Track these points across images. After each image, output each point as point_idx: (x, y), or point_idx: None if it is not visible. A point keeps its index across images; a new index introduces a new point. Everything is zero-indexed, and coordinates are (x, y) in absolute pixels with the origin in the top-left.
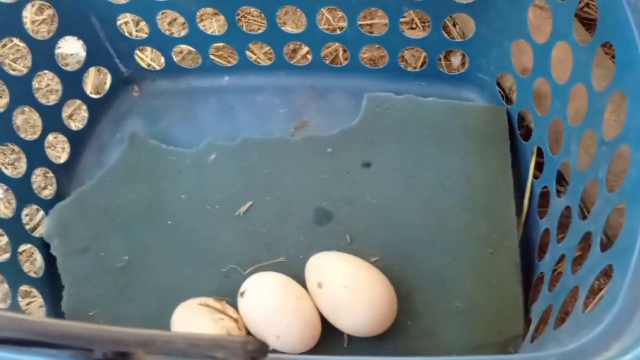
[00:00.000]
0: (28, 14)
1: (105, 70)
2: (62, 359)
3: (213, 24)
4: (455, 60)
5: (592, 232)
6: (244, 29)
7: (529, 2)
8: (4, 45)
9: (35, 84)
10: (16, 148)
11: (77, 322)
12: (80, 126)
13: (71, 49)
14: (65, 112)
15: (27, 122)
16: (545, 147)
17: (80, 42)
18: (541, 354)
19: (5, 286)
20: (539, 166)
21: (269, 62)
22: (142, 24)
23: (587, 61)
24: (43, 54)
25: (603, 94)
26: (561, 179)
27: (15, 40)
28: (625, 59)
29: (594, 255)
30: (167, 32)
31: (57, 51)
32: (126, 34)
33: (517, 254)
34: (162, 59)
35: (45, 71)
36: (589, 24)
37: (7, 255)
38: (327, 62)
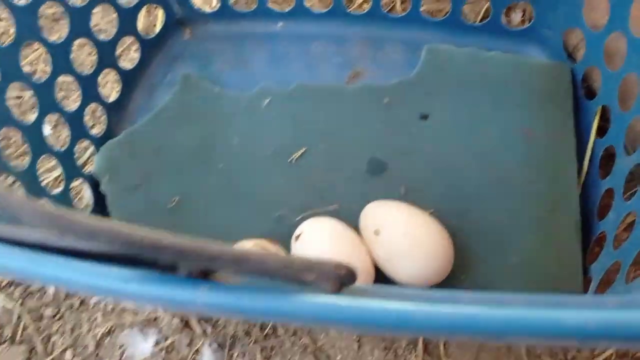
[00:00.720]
0: None
1: (156, 11)
2: (146, 278)
3: None
4: (516, 17)
5: None
6: None
7: None
8: None
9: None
10: (66, 83)
11: (171, 235)
12: (131, 66)
13: None
14: (117, 50)
15: (77, 58)
16: (615, 105)
17: None
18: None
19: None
20: (601, 128)
21: (324, 10)
22: None
23: None
24: None
25: None
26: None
27: None
28: None
29: None
30: None
31: None
32: None
33: (578, 212)
34: (216, 1)
35: (101, 5)
36: None
37: (59, 190)
38: (385, 11)
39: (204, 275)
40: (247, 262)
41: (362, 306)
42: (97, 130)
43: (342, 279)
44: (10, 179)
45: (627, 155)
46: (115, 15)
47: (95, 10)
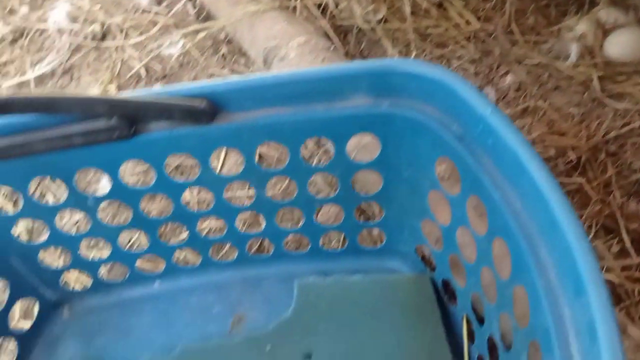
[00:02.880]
0: None
1: (30, 299)
2: None
3: (135, 235)
4: (375, 230)
5: None
6: (167, 237)
7: (427, 191)
8: None
9: None
10: None
11: None
12: None
13: None
14: None
15: None
16: (473, 317)
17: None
18: None
19: None
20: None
21: (197, 262)
22: (62, 250)
23: (487, 249)
24: None
25: (507, 284)
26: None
27: None
28: (517, 260)
29: None
30: (90, 256)
31: None
32: (49, 265)
33: None
34: (88, 278)
35: None
36: None
37: None
38: (254, 252)
39: None
40: None
41: None
42: None
43: None
44: None
45: None
46: None
47: None
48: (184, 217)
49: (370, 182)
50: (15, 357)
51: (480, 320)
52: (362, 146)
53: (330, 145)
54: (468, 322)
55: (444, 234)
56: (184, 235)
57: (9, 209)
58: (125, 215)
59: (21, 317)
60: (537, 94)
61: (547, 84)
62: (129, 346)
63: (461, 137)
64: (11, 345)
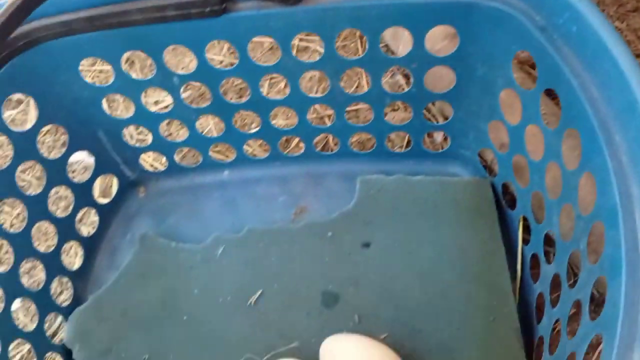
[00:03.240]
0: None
1: (110, 175)
2: None
3: (209, 122)
4: (438, 137)
5: (581, 301)
6: (239, 126)
7: (499, 89)
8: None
9: None
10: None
11: None
12: (92, 230)
13: (76, 157)
14: (76, 217)
15: (39, 230)
16: (530, 217)
17: (86, 152)
18: None
19: None
20: (529, 231)
21: (265, 155)
22: (143, 129)
23: (556, 144)
24: (56, 171)
25: (575, 172)
26: (551, 242)
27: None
28: (589, 146)
29: (584, 324)
30: (166, 135)
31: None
32: (130, 143)
33: (517, 319)
34: (164, 160)
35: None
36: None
37: None
38: (319, 149)
39: None
40: None
41: None
42: (64, 299)
43: None
44: None
45: (548, 263)
46: (71, 191)
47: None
48: (260, 104)
49: (442, 80)
50: (95, 228)
51: (538, 220)
52: (441, 40)
53: (407, 38)
54: (525, 222)
55: (511, 134)
56: (257, 125)
57: (101, 81)
58: (205, 100)
59: (101, 195)
60: (615, 14)
61: (627, 5)
62: (198, 226)
63: (543, 27)
64: (92, 217)
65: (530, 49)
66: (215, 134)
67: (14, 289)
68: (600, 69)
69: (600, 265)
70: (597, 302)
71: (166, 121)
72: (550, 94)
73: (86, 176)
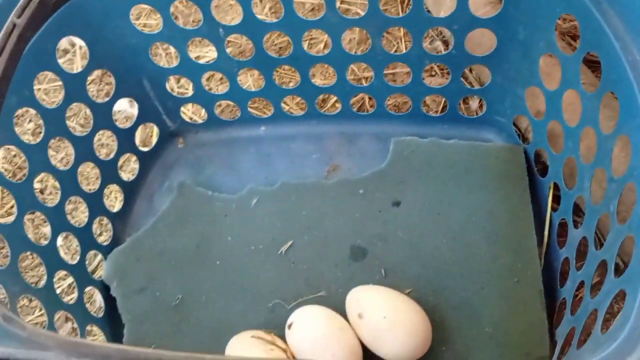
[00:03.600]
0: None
1: (151, 124)
2: None
3: (249, 79)
4: (474, 103)
5: (607, 260)
6: (278, 83)
7: (540, 54)
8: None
9: None
10: (74, 198)
11: (172, 352)
12: (132, 177)
13: (120, 106)
14: (117, 163)
15: (81, 174)
16: (561, 183)
17: (127, 100)
18: None
19: (69, 325)
20: (557, 199)
21: (301, 112)
22: (185, 81)
23: (594, 107)
24: (102, 115)
25: (610, 136)
26: (578, 211)
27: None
28: (627, 108)
29: (609, 281)
30: (207, 88)
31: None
32: (172, 93)
33: (540, 281)
34: (204, 113)
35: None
36: (596, 67)
37: (74, 296)
38: (355, 110)
39: None
40: None
41: None
42: (104, 239)
43: None
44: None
45: (575, 228)
46: (114, 136)
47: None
48: (300, 60)
49: (482, 47)
50: (135, 175)
51: (568, 186)
52: (483, 5)
53: (449, 3)
54: (555, 188)
55: (548, 100)
56: (295, 84)
57: (149, 29)
58: (246, 57)
59: (141, 144)
60: None
61: None
62: (233, 178)
63: None
64: (133, 164)
65: (574, 11)
66: (253, 87)
67: (60, 224)
68: None
69: (629, 225)
70: (621, 271)
71: (207, 76)
72: (591, 66)
73: (128, 125)
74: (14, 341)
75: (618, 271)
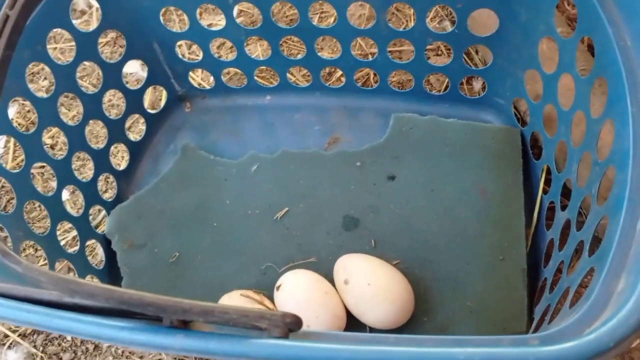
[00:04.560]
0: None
1: (160, 88)
2: (136, 327)
3: (257, 49)
4: (477, 84)
5: (584, 240)
6: (285, 54)
7: (540, 37)
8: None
9: None
10: (82, 155)
11: (154, 294)
12: (138, 137)
13: (131, 68)
14: (125, 123)
15: (91, 132)
16: (553, 166)
17: (139, 63)
18: (523, 336)
19: (70, 275)
20: (549, 183)
21: (306, 84)
22: (195, 47)
23: (586, 92)
24: (112, 76)
25: (598, 120)
26: (567, 194)
27: (87, 63)
28: (615, 92)
29: (583, 259)
30: (217, 55)
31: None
32: (182, 58)
33: (524, 260)
34: (212, 79)
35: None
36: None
37: (76, 248)
38: (359, 84)
39: (184, 324)
40: (212, 313)
41: (304, 346)
42: (108, 195)
43: (288, 325)
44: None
45: (562, 211)
46: (123, 97)
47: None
48: (307, 32)
49: (486, 29)
50: (142, 135)
51: (559, 169)
52: None
53: None
54: (548, 172)
55: (545, 83)
56: (302, 55)
57: None
58: (258, 23)
59: (150, 106)
60: None
61: None
62: (236, 144)
63: None
64: (140, 125)
65: None
66: (261, 57)
67: (67, 177)
68: (636, 18)
69: (606, 206)
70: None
71: (217, 44)
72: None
73: (138, 87)
74: (10, 277)
75: (593, 251)
